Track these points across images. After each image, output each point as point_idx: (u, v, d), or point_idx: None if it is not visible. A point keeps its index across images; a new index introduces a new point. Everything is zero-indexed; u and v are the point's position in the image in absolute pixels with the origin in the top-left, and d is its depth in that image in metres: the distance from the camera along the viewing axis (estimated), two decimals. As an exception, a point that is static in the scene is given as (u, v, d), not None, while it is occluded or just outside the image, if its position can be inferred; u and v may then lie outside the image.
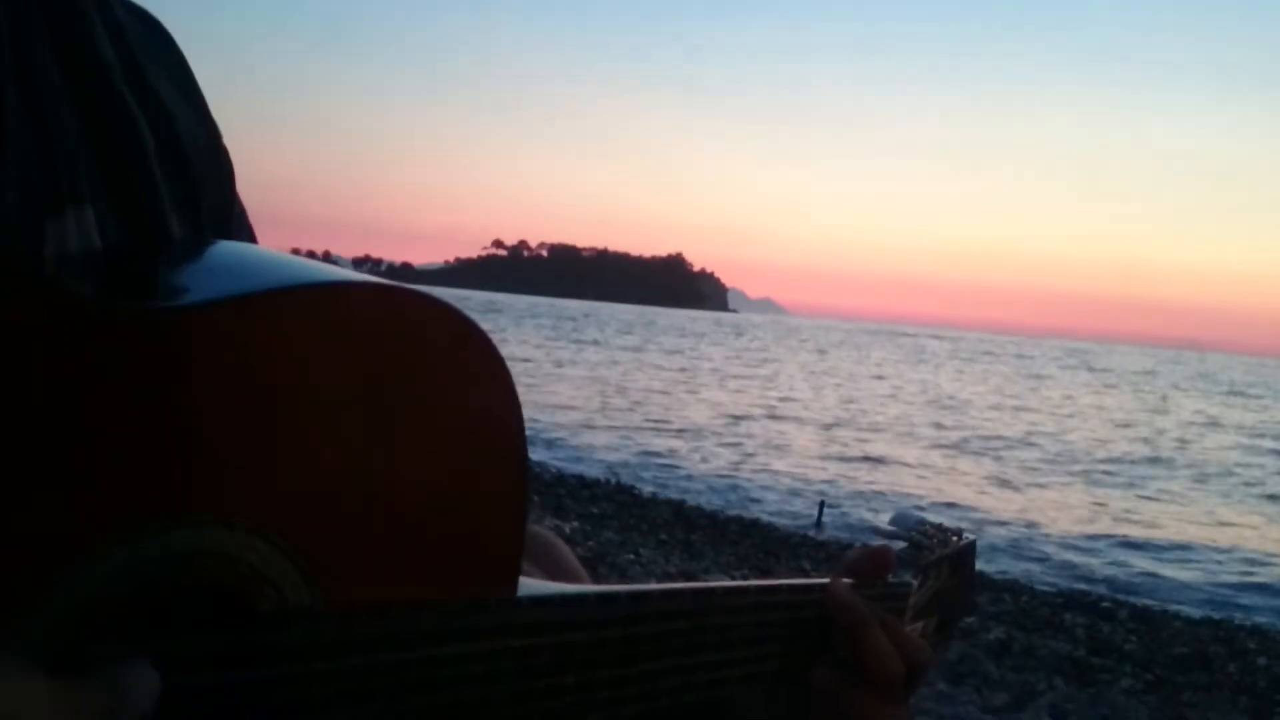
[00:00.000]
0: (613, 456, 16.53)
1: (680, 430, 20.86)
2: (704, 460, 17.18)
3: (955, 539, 1.21)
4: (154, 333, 0.56)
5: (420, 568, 0.68)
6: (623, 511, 10.74)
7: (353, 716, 0.66)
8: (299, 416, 0.61)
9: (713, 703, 0.94)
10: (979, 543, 1.26)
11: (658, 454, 17.38)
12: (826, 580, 0.97)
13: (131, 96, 0.76)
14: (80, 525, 0.55)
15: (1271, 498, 16.87)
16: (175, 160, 0.79)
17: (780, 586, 0.93)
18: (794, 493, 14.70)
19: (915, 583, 1.11)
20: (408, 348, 0.65)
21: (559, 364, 36.37)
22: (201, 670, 0.59)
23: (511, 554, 0.74)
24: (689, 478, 15.15)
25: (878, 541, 1.10)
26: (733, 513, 11.96)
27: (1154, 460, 22.12)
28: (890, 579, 1.08)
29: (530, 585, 0.76)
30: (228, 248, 0.74)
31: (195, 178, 0.81)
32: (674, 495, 12.67)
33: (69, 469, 0.54)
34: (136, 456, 0.56)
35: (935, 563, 1.15)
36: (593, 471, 13.87)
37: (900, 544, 1.14)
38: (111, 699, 0.52)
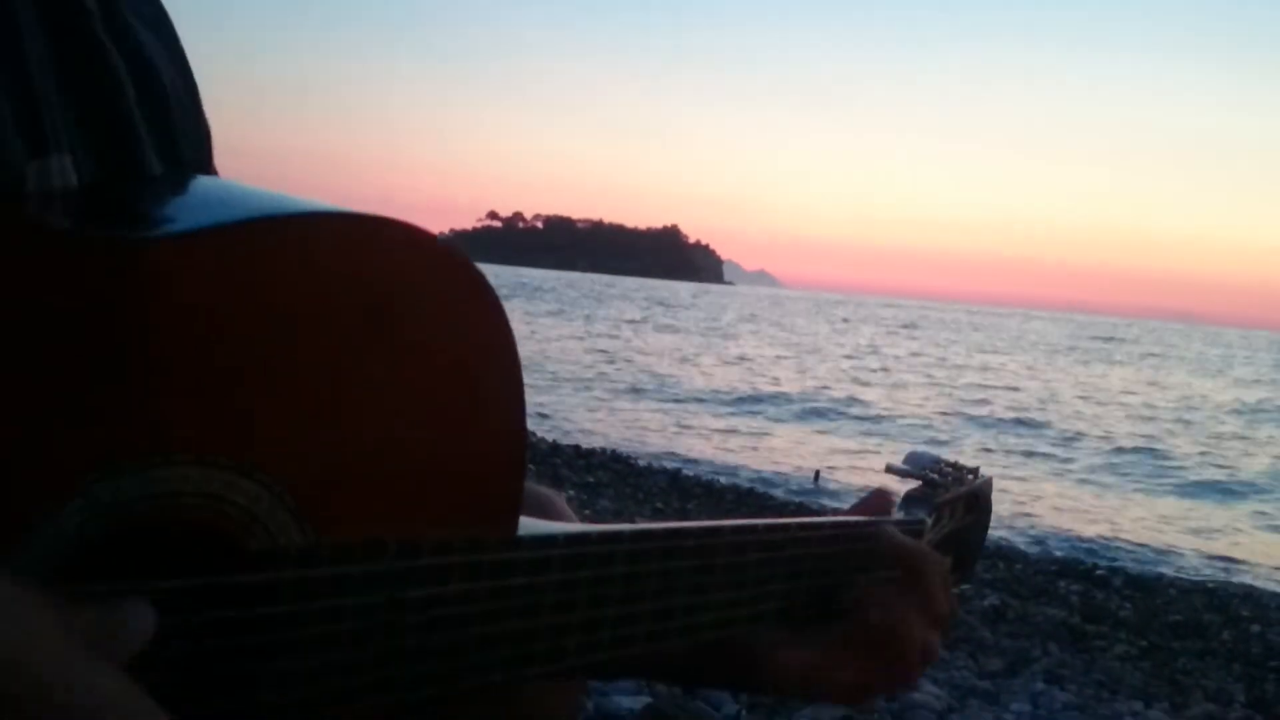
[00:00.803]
0: (609, 427, 16.54)
1: (676, 400, 20.88)
2: (700, 429, 17.20)
3: (971, 477, 1.18)
4: (131, 262, 0.54)
5: (415, 506, 0.66)
6: (618, 480, 10.75)
7: (348, 659, 0.64)
8: (283, 349, 0.59)
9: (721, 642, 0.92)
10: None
11: (654, 424, 17.39)
12: (833, 519, 0.96)
13: (112, 45, 0.74)
14: (59, 463, 0.52)
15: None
16: (157, 109, 0.77)
17: (789, 525, 0.92)
18: (789, 462, 14.74)
19: (929, 520, 1.08)
20: (393, 275, 0.63)
21: (556, 338, 36.35)
22: (190, 611, 0.57)
23: (511, 491, 0.72)
24: (684, 447, 15.17)
25: (890, 479, 1.09)
26: (728, 481, 11.99)
27: (1151, 438, 22.12)
28: (903, 515, 1.07)
29: (531, 524, 0.74)
30: (210, 182, 0.72)
31: (176, 127, 0.80)
32: (669, 464, 12.69)
33: (46, 404, 0.52)
34: (115, 391, 0.54)
35: (950, 501, 1.13)
36: (589, 441, 13.88)
37: (914, 483, 1.12)
38: (106, 628, 0.50)
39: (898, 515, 1.06)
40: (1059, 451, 18.90)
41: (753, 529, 0.89)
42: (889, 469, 1.13)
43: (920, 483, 1.12)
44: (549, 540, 0.73)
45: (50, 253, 0.52)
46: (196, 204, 0.66)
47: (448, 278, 0.66)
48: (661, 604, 0.82)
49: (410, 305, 0.64)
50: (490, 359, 0.68)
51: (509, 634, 0.72)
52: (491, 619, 0.70)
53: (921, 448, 1.17)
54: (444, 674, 0.69)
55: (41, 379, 0.51)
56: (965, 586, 7.02)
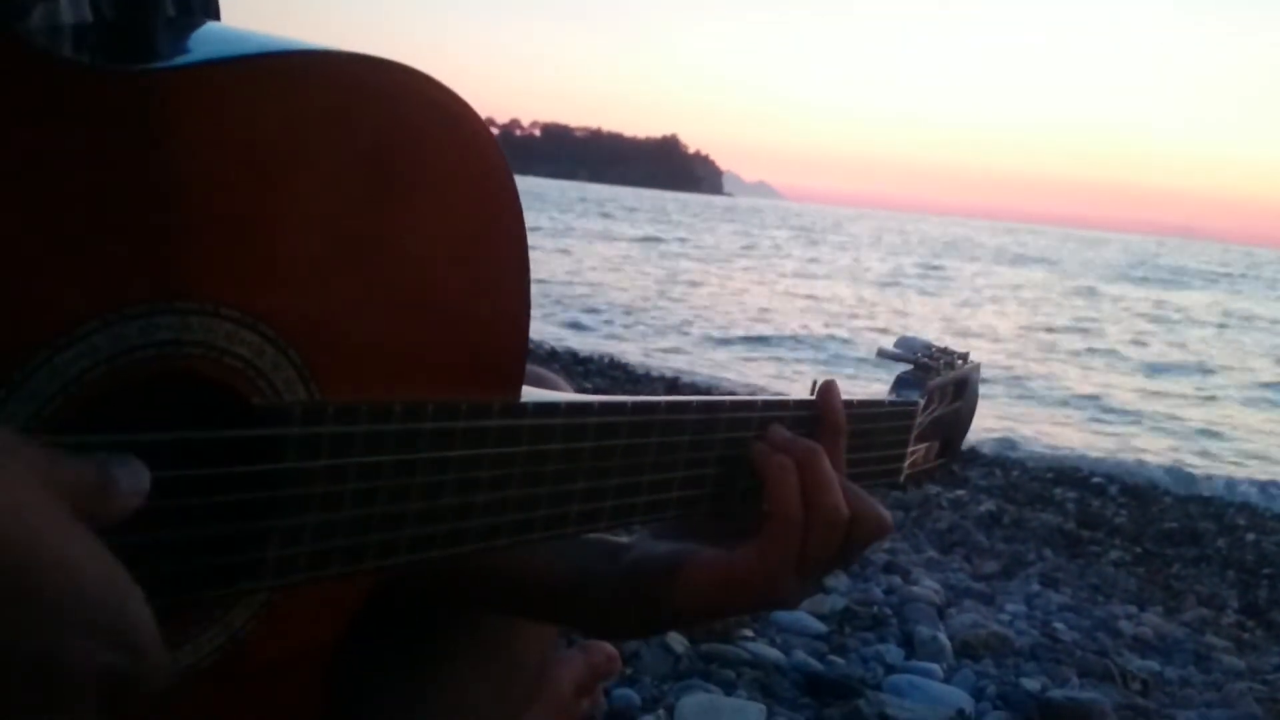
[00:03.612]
0: (608, 332, 16.54)
1: (675, 308, 20.84)
2: (698, 339, 17.21)
3: (961, 362, 1.19)
4: (134, 90, 0.52)
5: (420, 369, 0.65)
6: (615, 387, 10.74)
7: (354, 518, 0.63)
8: (290, 192, 0.57)
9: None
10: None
11: (650, 330, 17.39)
12: (809, 398, 0.93)
13: None
14: (60, 305, 0.51)
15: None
16: None
17: (774, 403, 0.90)
18: (789, 371, 14.77)
19: (921, 402, 1.09)
20: (402, 119, 0.61)
21: (558, 246, 36.18)
22: (194, 464, 0.56)
23: (515, 357, 0.70)
24: (682, 355, 15.19)
25: (880, 361, 1.08)
26: (726, 390, 12.01)
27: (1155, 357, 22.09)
28: (895, 397, 1.07)
29: (534, 394, 0.73)
30: (223, 26, 0.70)
31: None
32: (667, 372, 12.71)
33: (44, 244, 0.50)
34: (119, 233, 0.52)
35: (940, 385, 1.14)
36: (586, 347, 13.88)
37: (906, 366, 1.12)
38: (101, 479, 0.49)
39: (890, 397, 1.06)
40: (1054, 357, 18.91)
41: (749, 405, 0.88)
42: (880, 353, 1.13)
43: (912, 366, 1.12)
44: (551, 409, 0.72)
45: (50, 81, 0.50)
46: (208, 41, 0.64)
47: (455, 127, 0.64)
48: (664, 475, 0.82)
49: (417, 152, 0.62)
50: (495, 214, 0.67)
51: (513, 500, 0.71)
52: (495, 485, 0.70)
53: (911, 334, 1.17)
54: (449, 537, 0.68)
55: (40, 217, 0.49)
56: (959, 491, 7.08)
